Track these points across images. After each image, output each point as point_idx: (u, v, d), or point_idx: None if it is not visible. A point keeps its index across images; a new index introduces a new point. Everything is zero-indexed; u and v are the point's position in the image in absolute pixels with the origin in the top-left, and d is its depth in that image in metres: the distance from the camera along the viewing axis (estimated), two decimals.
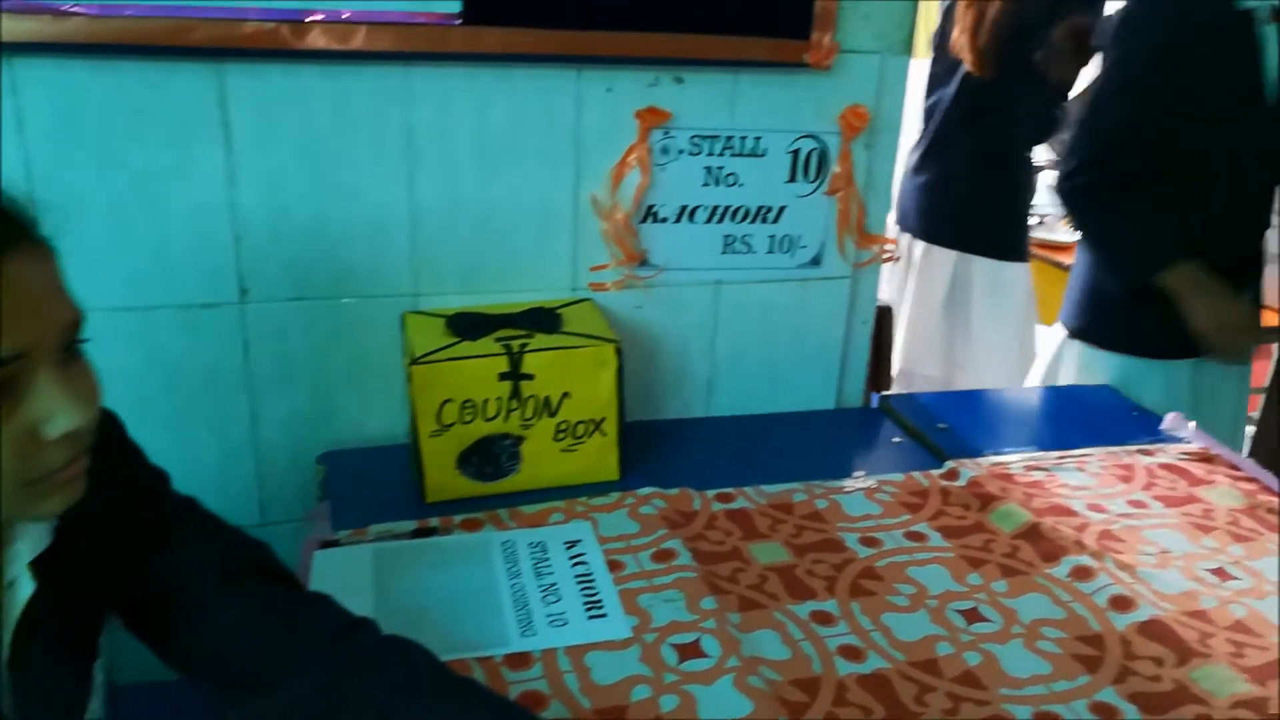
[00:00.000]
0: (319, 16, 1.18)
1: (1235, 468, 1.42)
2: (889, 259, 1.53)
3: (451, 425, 1.23)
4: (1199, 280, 1.63)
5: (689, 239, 1.44)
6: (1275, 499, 1.34)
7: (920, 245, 2.51)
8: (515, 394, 1.23)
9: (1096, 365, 1.77)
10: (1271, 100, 1.60)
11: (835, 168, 1.44)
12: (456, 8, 1.20)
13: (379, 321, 1.35)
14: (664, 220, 1.42)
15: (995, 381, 2.42)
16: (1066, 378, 1.82)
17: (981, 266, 2.45)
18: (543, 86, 1.30)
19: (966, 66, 2.31)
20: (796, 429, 1.53)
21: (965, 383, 2.52)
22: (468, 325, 1.27)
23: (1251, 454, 2.18)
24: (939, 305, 2.51)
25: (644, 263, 1.43)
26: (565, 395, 1.25)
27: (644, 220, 1.41)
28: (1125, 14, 1.69)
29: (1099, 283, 1.77)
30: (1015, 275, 2.44)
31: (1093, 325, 1.79)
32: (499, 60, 1.25)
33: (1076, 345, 1.81)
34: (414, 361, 1.20)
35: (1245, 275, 1.74)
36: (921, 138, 2.48)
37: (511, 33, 1.23)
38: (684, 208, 1.42)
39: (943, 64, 2.43)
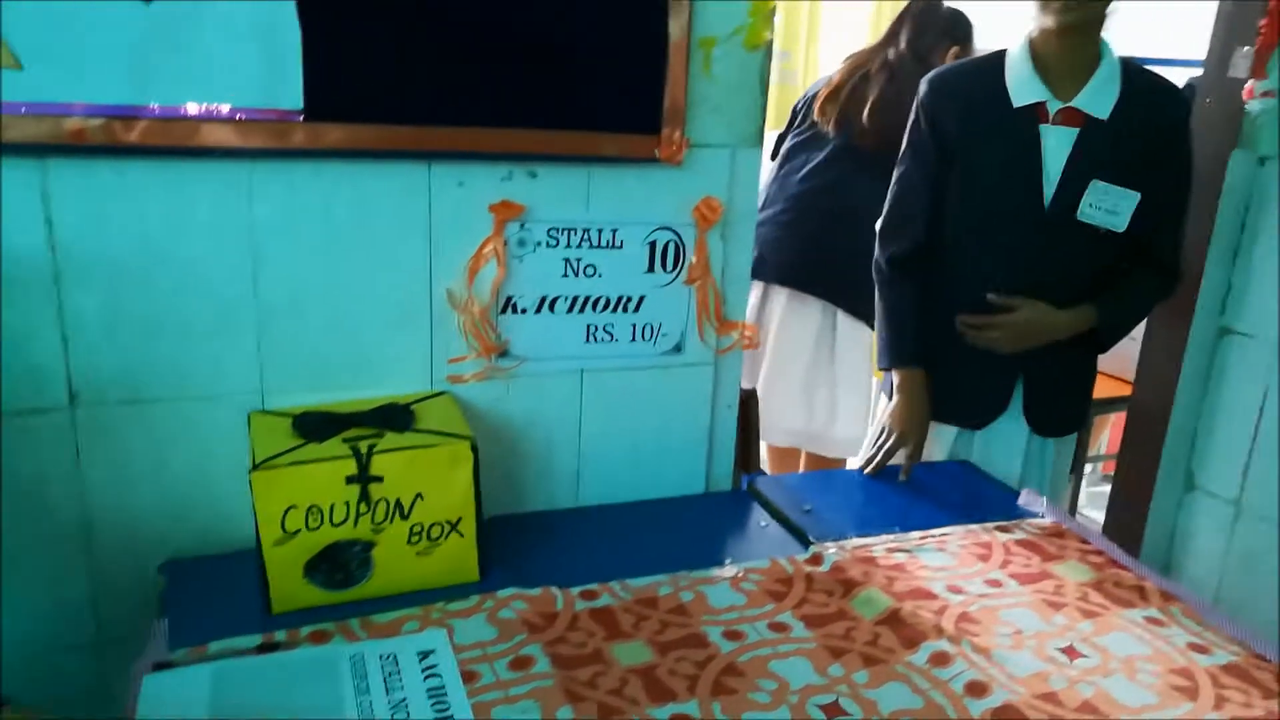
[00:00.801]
0: (155, 111, 1.14)
1: (1085, 541, 1.47)
2: (749, 346, 1.54)
3: (297, 532, 1.17)
4: (909, 387, 1.74)
5: (551, 329, 1.43)
6: (1123, 571, 1.38)
7: (782, 298, 2.57)
8: (364, 497, 1.19)
9: None
10: (1049, 198, 1.63)
11: (692, 258, 1.46)
12: (298, 104, 1.18)
13: (224, 422, 1.29)
14: (524, 311, 1.41)
15: (856, 434, 2.50)
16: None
17: (850, 323, 2.53)
18: (392, 181, 1.28)
19: (839, 133, 2.46)
20: (665, 516, 1.52)
21: (828, 436, 2.61)
22: (314, 426, 1.22)
23: (1105, 526, 2.27)
24: (804, 360, 2.59)
25: (505, 353, 1.41)
26: (418, 496, 1.21)
27: (504, 311, 1.40)
28: (917, 102, 1.75)
29: None
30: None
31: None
32: (345, 155, 1.23)
33: None
34: (255, 467, 1.15)
35: (1017, 370, 1.75)
36: (790, 192, 2.56)
37: (357, 129, 1.21)
38: (544, 298, 1.41)
39: (813, 128, 2.55)
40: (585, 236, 1.41)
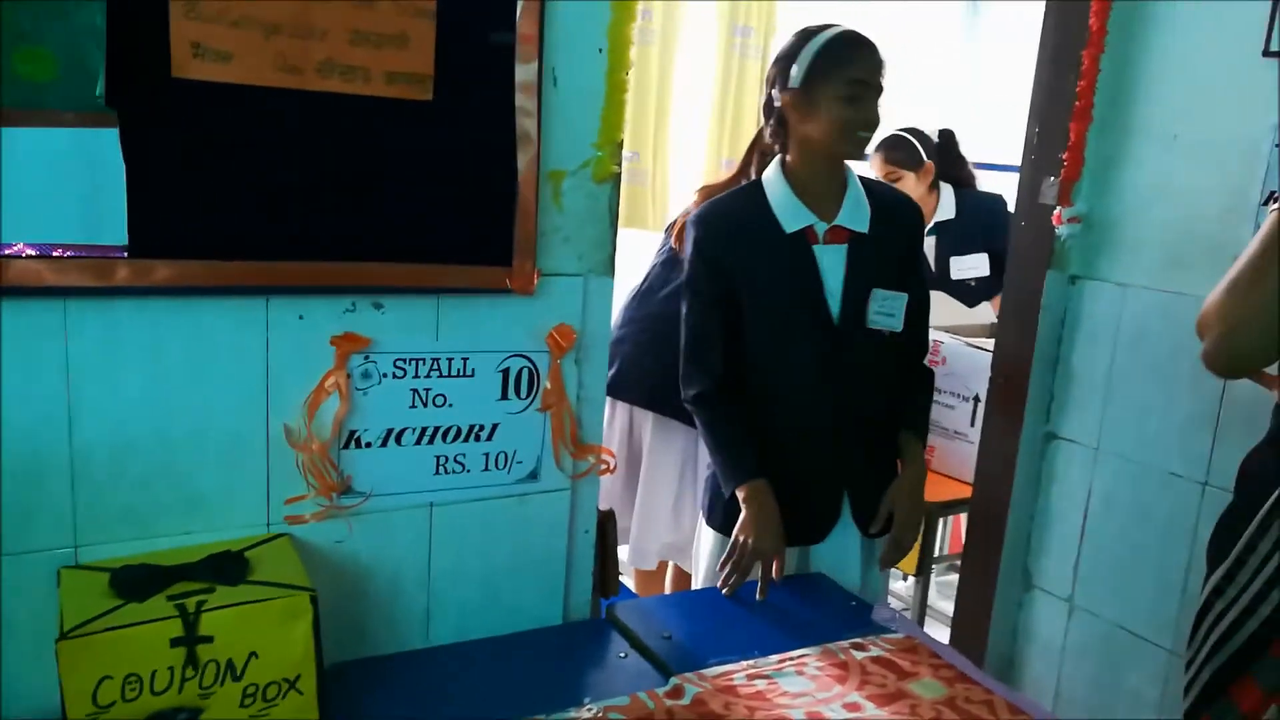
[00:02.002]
0: None
1: (936, 656, 1.50)
2: (605, 471, 1.53)
3: (111, 705, 1.06)
4: (759, 498, 1.72)
5: (398, 462, 1.38)
6: (973, 686, 1.41)
7: (650, 418, 2.58)
8: (191, 660, 1.09)
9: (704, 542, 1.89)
10: (836, 313, 1.72)
11: (546, 384, 1.44)
12: (123, 239, 1.11)
13: (31, 581, 1.17)
14: (369, 445, 1.35)
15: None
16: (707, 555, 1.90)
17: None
18: (226, 316, 1.22)
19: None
20: (522, 652, 1.46)
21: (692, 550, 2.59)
22: (134, 582, 1.12)
23: (954, 621, 2.34)
24: (673, 479, 2.58)
25: (348, 491, 1.35)
26: (252, 655, 1.12)
27: (346, 446, 1.34)
28: (690, 243, 1.76)
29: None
30: None
31: (714, 510, 1.87)
32: (174, 292, 1.17)
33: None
34: (63, 635, 1.04)
35: (842, 484, 1.81)
36: (650, 310, 2.57)
37: (187, 265, 1.15)
38: (390, 431, 1.36)
39: (673, 250, 2.58)
40: (435, 366, 1.37)
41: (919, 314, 1.83)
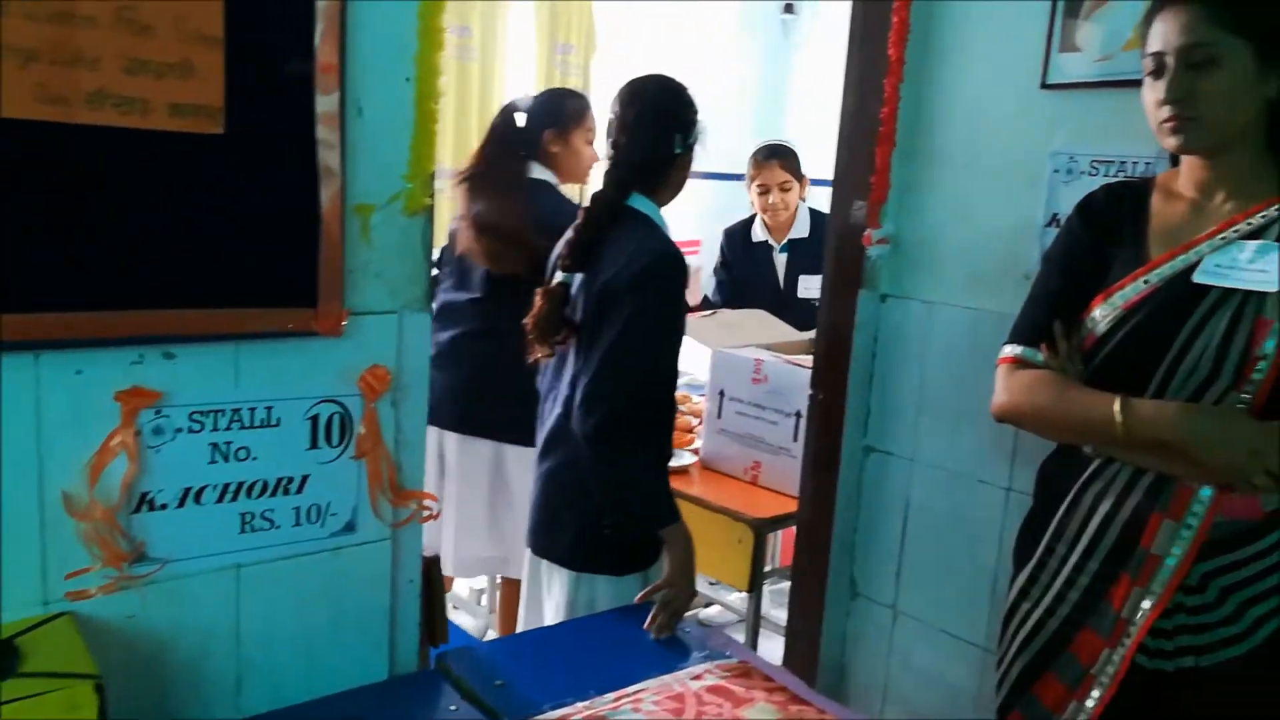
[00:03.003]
0: None
1: (769, 679, 1.51)
2: (429, 517, 1.46)
3: None
4: (683, 538, 1.75)
5: (197, 524, 1.27)
6: (805, 707, 1.43)
7: (453, 438, 2.58)
8: None
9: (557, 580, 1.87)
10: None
11: (360, 429, 1.37)
12: None
13: None
14: (163, 507, 1.24)
15: None
16: (552, 596, 1.88)
17: (517, 452, 2.53)
18: None
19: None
20: (345, 715, 1.37)
21: (516, 559, 2.59)
22: None
23: (788, 630, 2.40)
24: (484, 495, 2.60)
25: (141, 558, 1.23)
26: None
27: (137, 510, 1.22)
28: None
29: (564, 508, 1.85)
30: None
31: (558, 546, 1.86)
32: None
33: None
34: None
35: None
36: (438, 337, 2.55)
37: None
38: (188, 490, 1.25)
39: (460, 269, 2.57)
40: (236, 417, 1.27)
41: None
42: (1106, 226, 1.45)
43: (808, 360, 2.41)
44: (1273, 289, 1.28)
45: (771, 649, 2.62)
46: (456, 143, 4.89)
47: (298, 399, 1.32)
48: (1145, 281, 1.38)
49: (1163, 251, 1.39)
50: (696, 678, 1.51)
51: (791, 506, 2.41)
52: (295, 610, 1.37)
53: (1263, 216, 1.33)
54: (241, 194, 1.22)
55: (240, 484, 1.29)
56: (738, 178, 3.56)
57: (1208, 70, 1.30)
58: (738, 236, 3.49)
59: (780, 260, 3.38)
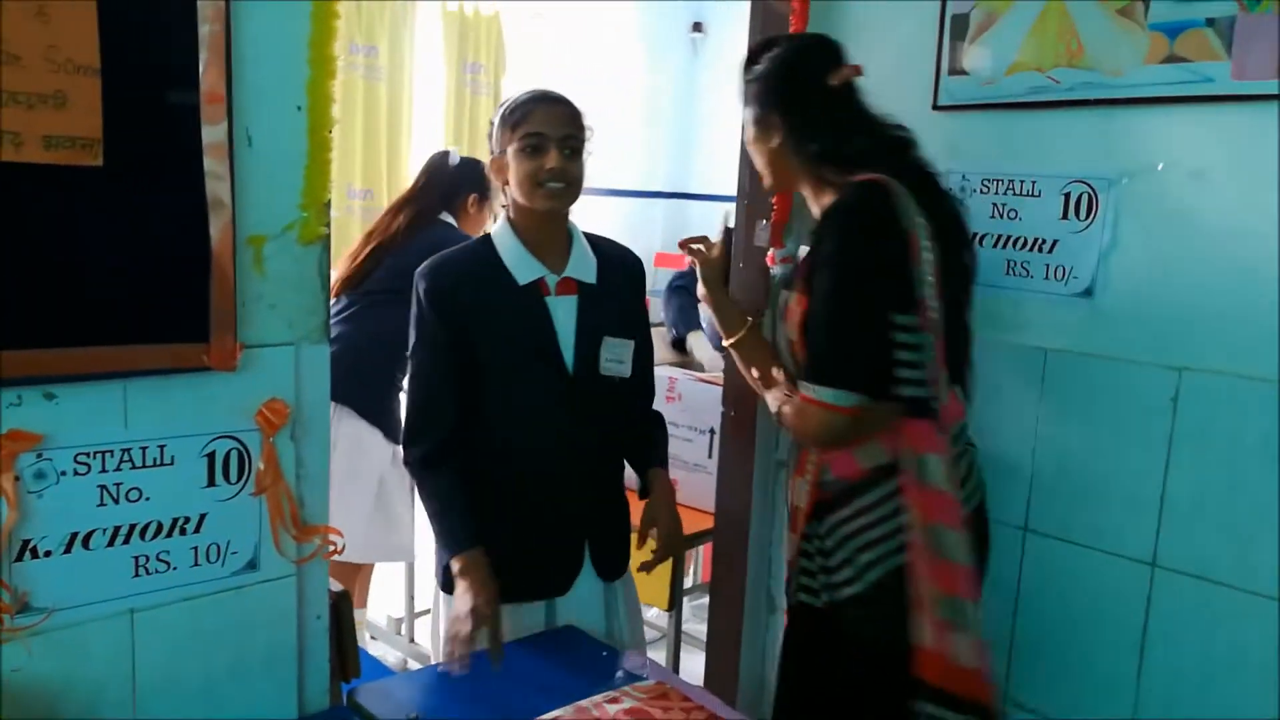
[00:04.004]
0: None
1: (688, 699, 1.52)
2: (334, 552, 1.43)
3: None
4: (474, 569, 1.66)
5: (86, 569, 1.22)
6: None
7: (345, 425, 2.68)
8: None
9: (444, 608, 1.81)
10: (571, 362, 1.73)
11: (259, 465, 1.33)
12: None
13: None
14: (48, 554, 1.19)
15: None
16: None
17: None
18: None
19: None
20: None
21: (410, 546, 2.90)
22: None
23: (709, 645, 2.41)
24: (374, 480, 2.78)
25: (25, 609, 1.18)
26: None
27: (19, 559, 1.17)
28: (417, 296, 1.73)
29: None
30: None
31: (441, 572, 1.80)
32: None
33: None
34: None
35: (583, 534, 1.80)
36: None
37: None
38: (75, 535, 1.21)
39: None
40: (126, 457, 1.23)
41: (647, 359, 1.88)
42: None
43: (719, 377, 2.44)
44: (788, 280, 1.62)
45: (694, 664, 2.63)
46: (365, 162, 4.83)
47: (192, 436, 1.28)
48: None
49: None
50: (614, 701, 1.50)
51: (709, 523, 2.42)
52: (196, 654, 1.33)
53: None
54: (126, 227, 1.18)
55: (133, 526, 1.25)
56: (651, 195, 3.59)
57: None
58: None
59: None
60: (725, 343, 1.84)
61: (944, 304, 1.48)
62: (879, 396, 1.47)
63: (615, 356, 1.76)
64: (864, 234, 1.47)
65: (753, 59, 1.66)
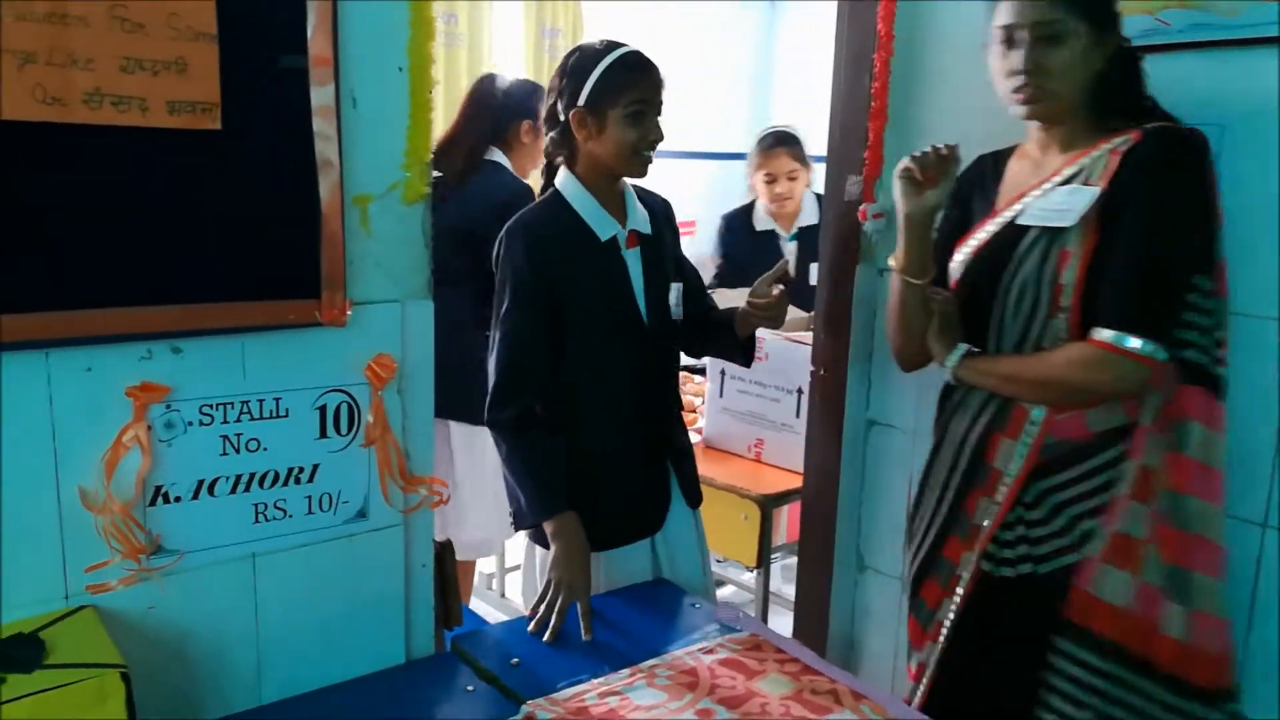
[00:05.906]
0: None
1: (781, 651, 1.53)
2: (439, 502, 1.48)
3: None
4: (567, 532, 1.68)
5: (212, 515, 1.29)
6: (817, 678, 1.45)
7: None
8: None
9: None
10: (645, 313, 1.77)
11: (368, 418, 1.39)
12: None
13: None
14: (178, 500, 1.26)
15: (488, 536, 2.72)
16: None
17: (459, 430, 2.60)
18: None
19: None
20: (365, 697, 1.40)
21: (457, 540, 2.68)
22: None
23: (797, 604, 2.42)
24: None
25: (158, 550, 1.25)
26: None
27: (153, 503, 1.24)
28: (509, 254, 1.73)
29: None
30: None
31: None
32: None
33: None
34: None
35: (662, 466, 1.84)
36: None
37: None
38: (201, 482, 1.27)
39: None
40: (245, 409, 1.29)
41: (698, 281, 2.01)
42: (968, 186, 1.68)
43: (807, 337, 2.43)
44: (1068, 224, 1.46)
45: (782, 625, 2.64)
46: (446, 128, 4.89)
47: (305, 389, 1.33)
48: (986, 230, 1.59)
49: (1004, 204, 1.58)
50: (709, 651, 1.53)
51: (796, 482, 2.42)
52: (311, 597, 1.39)
53: (1077, 165, 1.50)
54: (242, 188, 1.23)
55: (252, 475, 1.31)
56: (730, 156, 3.55)
57: (1054, 45, 1.46)
58: (738, 223, 3.42)
59: (790, 249, 3.31)
60: (911, 279, 1.66)
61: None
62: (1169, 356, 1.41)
63: (678, 300, 1.83)
64: (1197, 184, 1.41)
65: None
